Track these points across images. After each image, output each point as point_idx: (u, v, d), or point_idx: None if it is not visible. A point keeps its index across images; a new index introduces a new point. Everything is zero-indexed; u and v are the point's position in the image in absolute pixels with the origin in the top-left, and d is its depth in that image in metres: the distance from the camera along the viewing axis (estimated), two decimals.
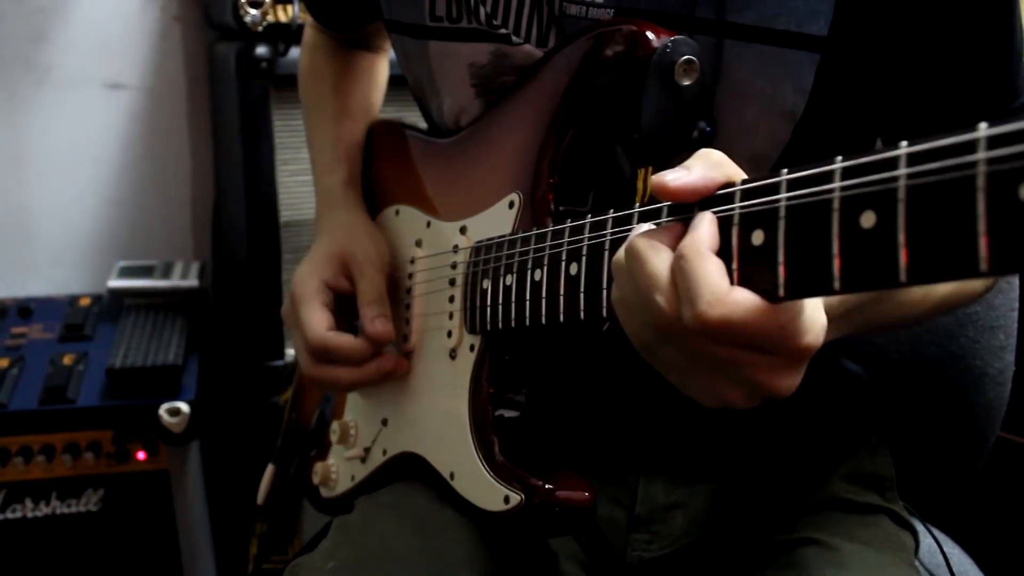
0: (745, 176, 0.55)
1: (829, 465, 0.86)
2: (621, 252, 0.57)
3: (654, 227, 0.58)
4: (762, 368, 0.53)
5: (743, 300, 0.51)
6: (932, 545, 0.97)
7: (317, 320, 0.89)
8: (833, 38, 0.72)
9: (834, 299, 0.57)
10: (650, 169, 0.74)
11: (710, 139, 0.72)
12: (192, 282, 1.86)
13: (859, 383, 0.97)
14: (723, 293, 0.51)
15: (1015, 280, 1.12)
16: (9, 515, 1.55)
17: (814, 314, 0.52)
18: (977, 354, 1.11)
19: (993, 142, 0.39)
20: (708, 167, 0.55)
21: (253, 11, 1.59)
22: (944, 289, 0.77)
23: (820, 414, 0.90)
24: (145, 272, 1.88)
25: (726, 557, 0.83)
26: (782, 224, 0.49)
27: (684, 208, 0.56)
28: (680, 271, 0.52)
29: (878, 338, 1.10)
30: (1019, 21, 0.77)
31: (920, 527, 0.92)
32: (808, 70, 0.74)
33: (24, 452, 1.54)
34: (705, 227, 0.53)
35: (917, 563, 0.90)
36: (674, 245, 0.55)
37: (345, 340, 0.88)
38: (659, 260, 0.54)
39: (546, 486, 0.72)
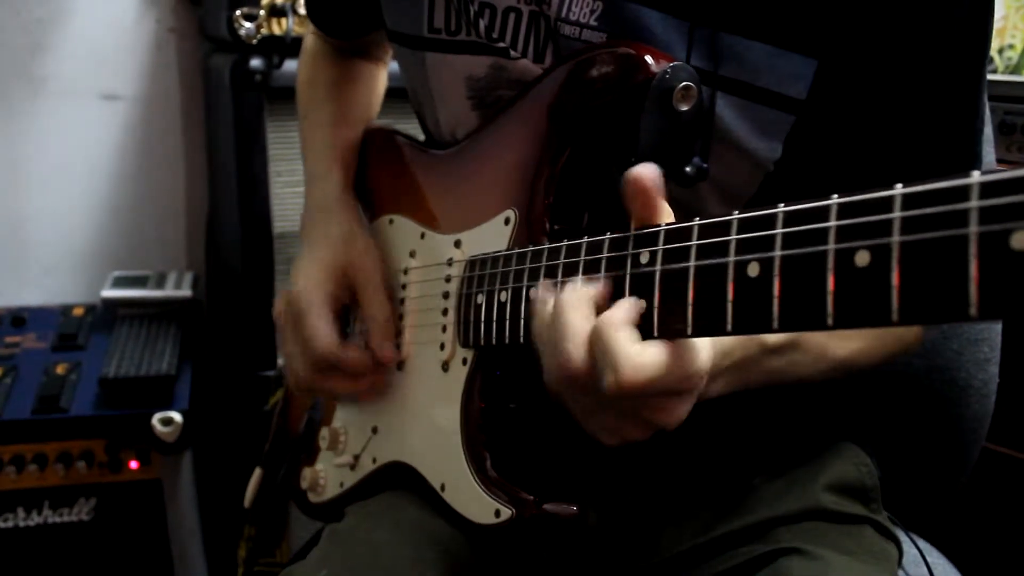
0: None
1: (813, 475, 0.86)
2: (549, 304, 0.65)
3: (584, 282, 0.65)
4: (660, 408, 0.60)
5: (655, 356, 0.57)
6: (916, 555, 0.98)
7: (327, 333, 0.90)
8: (810, 102, 0.74)
9: (721, 353, 0.66)
10: None
11: (704, 174, 0.74)
12: (185, 292, 1.86)
13: (844, 395, 0.98)
14: (636, 356, 0.57)
15: None
16: (1, 524, 1.56)
17: (703, 354, 0.59)
18: (962, 366, 1.12)
19: (986, 190, 0.40)
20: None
21: (248, 24, 1.60)
22: (841, 354, 0.79)
23: (805, 425, 0.91)
24: (139, 282, 1.89)
25: (712, 568, 0.84)
26: (778, 258, 0.50)
27: (680, 236, 0.58)
28: (598, 341, 0.59)
29: None
30: (983, 96, 0.80)
31: (904, 537, 0.93)
32: (782, 130, 0.76)
33: (17, 461, 1.54)
34: (624, 305, 0.60)
35: (901, 573, 0.91)
36: (596, 302, 0.62)
37: (354, 356, 0.90)
38: (576, 315, 0.61)
39: (536, 501, 0.73)
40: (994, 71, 1.76)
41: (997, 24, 1.75)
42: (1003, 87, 1.57)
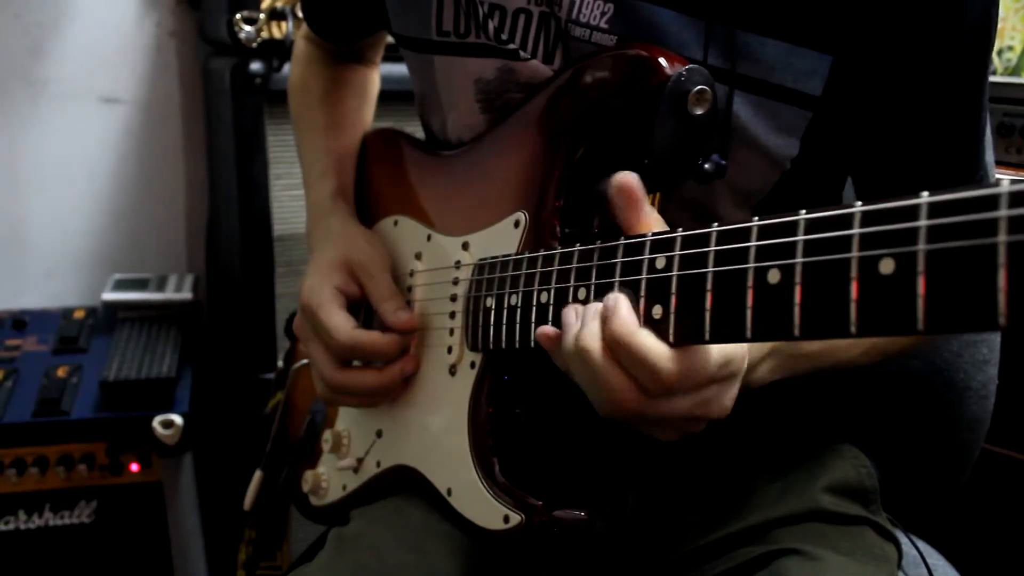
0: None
1: (813, 477, 0.87)
2: (571, 332, 0.64)
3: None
4: (708, 400, 0.62)
5: (655, 346, 0.59)
6: (916, 556, 0.98)
7: (342, 321, 0.87)
8: (826, 98, 0.75)
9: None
10: (658, 196, 0.75)
11: (723, 171, 0.74)
12: (186, 295, 1.86)
13: (843, 396, 0.98)
14: (665, 349, 0.59)
15: None
16: (2, 527, 1.56)
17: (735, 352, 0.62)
18: (960, 367, 1.12)
19: (1015, 200, 0.39)
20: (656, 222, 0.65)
21: (248, 27, 1.60)
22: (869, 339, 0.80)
23: (805, 427, 0.91)
24: (139, 285, 1.89)
25: (712, 569, 0.84)
26: (799, 265, 0.50)
27: (697, 241, 0.57)
28: (623, 355, 0.60)
29: None
30: (986, 102, 0.81)
31: (904, 538, 0.93)
32: (799, 127, 0.76)
33: (18, 464, 1.54)
34: (623, 309, 0.61)
35: (900, 574, 0.91)
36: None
37: (376, 336, 0.87)
38: (605, 358, 0.62)
39: (545, 507, 0.72)
40: (993, 72, 1.76)
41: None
42: (1002, 88, 1.57)
